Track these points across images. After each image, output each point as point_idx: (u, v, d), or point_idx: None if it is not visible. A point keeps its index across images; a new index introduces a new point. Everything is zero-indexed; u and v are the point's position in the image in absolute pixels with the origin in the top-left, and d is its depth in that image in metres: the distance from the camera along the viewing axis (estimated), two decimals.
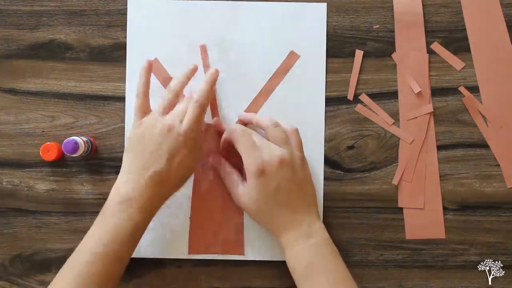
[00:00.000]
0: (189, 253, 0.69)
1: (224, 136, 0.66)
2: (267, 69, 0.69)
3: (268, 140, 0.64)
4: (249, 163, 0.62)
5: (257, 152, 0.62)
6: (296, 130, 0.65)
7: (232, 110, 0.69)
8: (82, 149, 0.65)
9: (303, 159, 0.64)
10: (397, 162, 0.69)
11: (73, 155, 0.65)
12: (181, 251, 0.69)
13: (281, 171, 0.62)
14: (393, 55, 0.69)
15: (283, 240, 0.62)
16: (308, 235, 0.61)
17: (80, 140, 0.65)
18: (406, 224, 0.69)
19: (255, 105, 0.69)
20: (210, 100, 0.66)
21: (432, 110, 0.69)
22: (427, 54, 0.69)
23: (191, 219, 0.69)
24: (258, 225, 0.68)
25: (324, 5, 0.69)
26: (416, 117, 0.69)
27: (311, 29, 0.69)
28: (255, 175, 0.61)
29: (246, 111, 0.69)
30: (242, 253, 0.69)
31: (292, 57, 0.69)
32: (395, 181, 0.69)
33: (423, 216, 0.69)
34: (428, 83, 0.69)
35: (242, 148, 0.63)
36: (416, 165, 0.69)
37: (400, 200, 0.69)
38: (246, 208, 0.64)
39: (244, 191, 0.63)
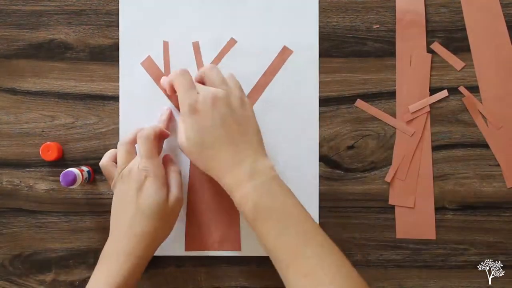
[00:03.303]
0: (186, 250, 0.69)
1: (167, 80, 0.64)
2: (260, 64, 0.69)
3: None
4: (183, 101, 0.60)
5: (192, 91, 0.60)
6: (233, 74, 0.64)
7: None
8: (79, 181, 0.65)
9: (242, 98, 0.62)
10: None
11: (71, 187, 0.66)
12: (178, 249, 0.69)
13: (216, 108, 0.59)
14: (397, 49, 0.69)
15: (227, 182, 0.59)
16: (253, 174, 0.58)
17: (77, 171, 0.65)
18: (397, 223, 0.69)
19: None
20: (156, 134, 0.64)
21: (429, 109, 0.69)
22: (430, 54, 0.69)
23: (187, 216, 0.69)
24: None
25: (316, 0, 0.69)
26: (413, 119, 0.69)
27: (303, 23, 0.69)
28: (189, 112, 0.59)
29: None
30: (238, 248, 0.69)
31: (285, 52, 0.69)
32: (388, 178, 0.69)
33: (414, 215, 0.69)
34: (428, 83, 0.69)
35: (178, 88, 0.61)
36: (410, 164, 0.69)
37: (391, 198, 0.69)
38: (184, 149, 0.61)
39: (181, 131, 0.60)
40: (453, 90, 0.70)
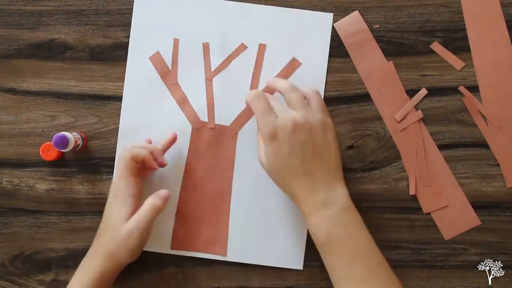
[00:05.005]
0: (171, 248, 0.69)
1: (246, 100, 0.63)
2: (268, 72, 0.69)
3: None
4: (262, 127, 0.59)
5: (271, 115, 0.59)
6: (317, 92, 0.62)
7: (228, 112, 0.69)
8: (72, 144, 0.65)
9: (324, 121, 0.60)
10: (397, 161, 0.69)
11: (63, 150, 0.65)
12: (163, 246, 0.69)
13: (295, 134, 0.58)
14: (360, 73, 0.69)
15: (303, 208, 0.59)
16: (327, 204, 0.58)
17: (69, 135, 0.65)
18: (440, 226, 0.69)
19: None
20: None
21: (422, 116, 0.69)
22: (390, 62, 0.69)
23: (176, 215, 0.69)
24: (244, 227, 0.69)
25: (330, 15, 0.69)
26: (407, 127, 0.69)
27: (315, 38, 0.69)
28: (268, 139, 0.59)
29: (242, 113, 0.69)
30: (224, 253, 0.69)
31: (294, 64, 0.69)
32: (412, 191, 0.69)
33: (451, 212, 0.69)
34: (402, 88, 0.69)
35: (256, 112, 0.60)
36: (427, 168, 0.69)
37: (424, 207, 0.69)
38: (266, 170, 0.61)
39: (261, 154, 0.61)
40: (453, 90, 0.70)
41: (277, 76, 0.69)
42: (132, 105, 0.69)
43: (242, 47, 0.69)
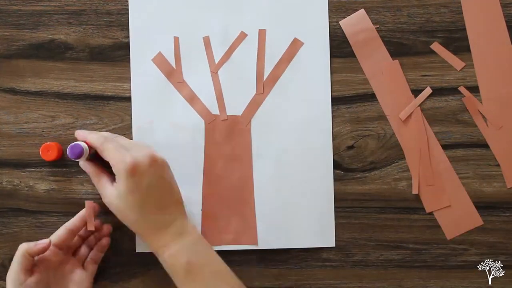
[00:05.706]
0: None
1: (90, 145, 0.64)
2: (271, 57, 0.69)
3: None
4: (118, 163, 0.59)
5: (126, 151, 0.60)
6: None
7: (238, 101, 0.70)
8: (86, 154, 0.64)
9: (164, 159, 0.62)
10: (397, 162, 0.69)
11: (77, 160, 0.64)
12: None
13: (152, 168, 0.60)
14: (365, 71, 0.69)
15: (157, 242, 0.60)
16: (182, 233, 0.60)
17: (84, 144, 0.64)
18: (442, 226, 0.69)
19: (261, 95, 0.69)
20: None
21: (420, 111, 0.69)
22: (396, 60, 0.69)
23: (202, 211, 0.69)
24: (270, 212, 0.69)
25: None
26: (411, 126, 0.69)
27: (313, 15, 0.69)
28: (126, 173, 0.59)
29: (252, 100, 0.69)
30: (255, 242, 0.69)
31: (296, 44, 0.69)
32: (415, 191, 0.69)
33: (454, 211, 0.69)
34: (408, 87, 0.69)
35: (108, 152, 0.61)
36: (431, 167, 0.69)
37: (427, 206, 0.69)
38: (116, 208, 0.61)
39: (114, 191, 0.60)
40: (453, 90, 0.70)
41: (281, 58, 0.69)
42: (142, 108, 0.69)
43: (243, 35, 0.70)
